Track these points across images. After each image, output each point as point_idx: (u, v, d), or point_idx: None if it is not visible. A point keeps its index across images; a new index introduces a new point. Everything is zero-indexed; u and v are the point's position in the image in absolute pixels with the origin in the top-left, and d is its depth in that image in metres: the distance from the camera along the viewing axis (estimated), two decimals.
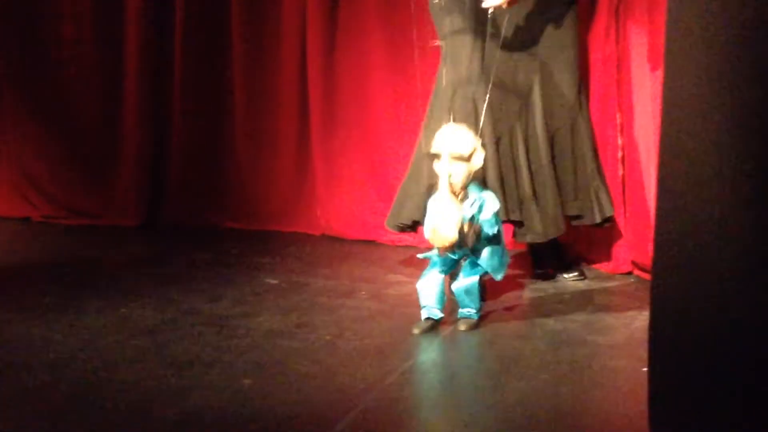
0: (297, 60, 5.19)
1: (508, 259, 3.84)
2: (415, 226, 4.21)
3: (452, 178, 3.56)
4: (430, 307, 3.68)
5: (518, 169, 4.08)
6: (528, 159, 4.10)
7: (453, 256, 3.66)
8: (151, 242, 5.21)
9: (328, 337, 3.64)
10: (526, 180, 4.07)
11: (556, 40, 4.14)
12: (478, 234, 3.61)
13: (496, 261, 3.72)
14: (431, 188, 3.77)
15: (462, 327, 3.68)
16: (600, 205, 4.18)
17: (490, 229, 3.65)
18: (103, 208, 5.44)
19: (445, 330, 3.68)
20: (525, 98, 4.12)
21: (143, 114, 5.38)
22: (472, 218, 3.59)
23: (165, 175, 5.46)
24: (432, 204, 3.58)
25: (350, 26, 5.06)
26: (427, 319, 3.68)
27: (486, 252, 3.68)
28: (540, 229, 4.09)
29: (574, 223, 4.24)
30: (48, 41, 5.49)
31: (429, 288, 3.69)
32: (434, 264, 3.70)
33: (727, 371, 2.16)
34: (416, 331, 3.63)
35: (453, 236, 3.53)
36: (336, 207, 5.19)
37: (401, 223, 4.23)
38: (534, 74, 4.12)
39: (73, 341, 3.57)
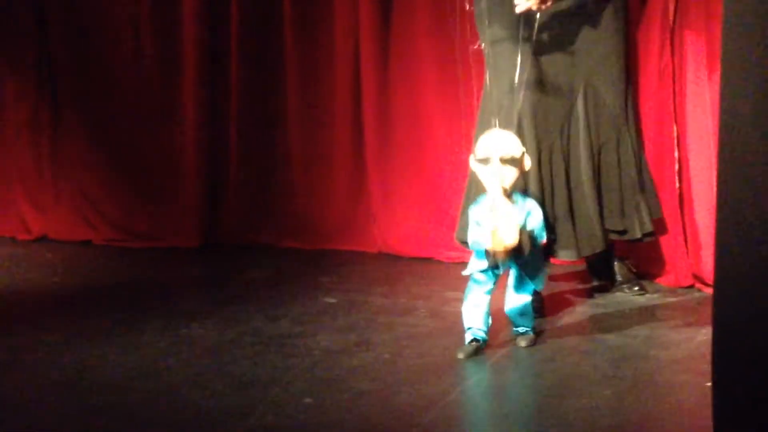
0: (350, 80, 5.20)
1: (548, 270, 3.79)
2: None
3: (503, 182, 3.49)
4: (475, 329, 3.61)
5: (555, 185, 4.04)
6: (567, 175, 4.06)
7: (500, 268, 3.59)
8: (210, 263, 5.24)
9: (387, 356, 3.64)
10: (562, 197, 4.03)
11: (600, 50, 4.09)
12: (533, 240, 3.57)
13: (540, 272, 3.70)
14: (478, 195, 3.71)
15: (522, 343, 3.65)
16: (641, 220, 4.15)
17: (540, 236, 3.62)
18: (162, 229, 5.48)
19: (504, 348, 3.66)
20: (568, 111, 4.08)
21: (201, 136, 5.43)
22: (523, 225, 3.55)
23: (223, 196, 5.49)
24: (484, 209, 3.52)
25: (403, 44, 5.06)
26: (473, 341, 3.60)
27: (531, 263, 3.63)
28: (572, 246, 4.05)
29: (619, 238, 4.20)
30: (107, 63, 5.54)
31: (475, 309, 3.61)
32: (477, 282, 3.63)
33: None
34: (461, 355, 3.56)
35: (515, 239, 3.45)
36: (392, 224, 5.19)
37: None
38: (578, 86, 4.08)
39: (135, 362, 3.60)
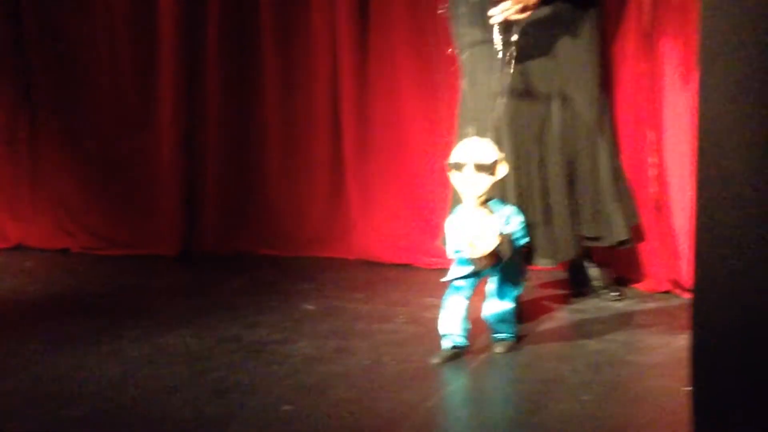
0: (329, 86, 5.20)
1: (527, 276, 3.79)
2: None
3: (476, 189, 3.49)
4: (453, 335, 3.61)
5: (532, 192, 4.05)
6: (542, 184, 4.07)
7: (480, 275, 3.60)
8: (188, 271, 5.24)
9: (366, 362, 3.64)
10: (538, 205, 4.05)
11: (575, 58, 4.11)
12: (512, 246, 3.56)
13: (521, 277, 3.70)
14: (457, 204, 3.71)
15: (499, 349, 3.66)
16: (616, 227, 4.16)
17: (521, 240, 3.62)
18: (140, 237, 5.46)
19: (482, 353, 3.66)
20: (543, 120, 4.09)
21: (178, 144, 5.41)
22: (501, 232, 3.54)
23: (201, 204, 5.48)
24: (461, 216, 3.52)
25: (381, 51, 5.06)
26: (453, 348, 3.60)
27: (511, 269, 3.63)
28: (549, 253, 4.07)
29: (595, 244, 4.22)
30: (84, 69, 5.52)
31: (453, 315, 3.61)
32: (457, 289, 3.62)
33: None
34: (437, 360, 3.56)
35: (492, 246, 3.45)
36: (371, 231, 5.19)
37: None
38: (553, 95, 4.09)
39: (113, 371, 3.59)
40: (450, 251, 3.62)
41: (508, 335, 3.69)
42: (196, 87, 5.39)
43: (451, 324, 3.61)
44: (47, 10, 5.53)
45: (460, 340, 3.61)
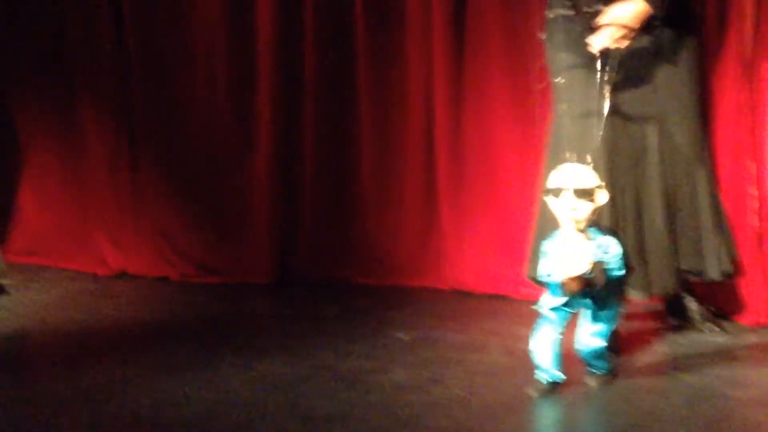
0: (423, 118, 5.21)
1: (621, 309, 3.74)
2: None
3: (576, 215, 3.43)
4: (548, 369, 3.54)
5: (627, 222, 4.00)
6: (639, 212, 4.03)
7: (572, 306, 3.53)
8: (283, 299, 5.25)
9: (460, 393, 3.62)
10: (633, 235, 3.99)
11: (674, 87, 4.07)
12: (605, 274, 3.48)
13: (614, 310, 3.64)
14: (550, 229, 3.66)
15: (593, 383, 3.60)
16: (719, 259, 4.09)
17: (618, 271, 3.55)
18: (236, 266, 5.50)
19: (577, 386, 3.61)
20: (641, 149, 4.05)
21: (274, 174, 5.46)
22: (598, 260, 3.49)
23: (296, 233, 5.51)
24: (557, 242, 3.47)
25: (476, 82, 5.06)
26: (549, 382, 3.55)
27: (605, 300, 3.56)
28: (643, 285, 4.02)
29: (697, 278, 4.15)
30: (181, 103, 5.61)
31: (544, 348, 3.54)
32: (548, 321, 3.55)
33: None
34: (534, 393, 3.52)
35: (584, 270, 3.40)
36: (464, 261, 5.17)
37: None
38: (651, 124, 4.05)
39: (210, 397, 3.61)
40: (542, 275, 3.57)
41: (603, 370, 3.64)
42: (292, 118, 5.44)
43: (545, 357, 3.56)
44: (149, 42, 5.63)
45: (556, 374, 3.56)
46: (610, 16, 3.88)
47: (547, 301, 3.56)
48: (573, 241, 3.44)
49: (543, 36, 4.13)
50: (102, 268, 5.74)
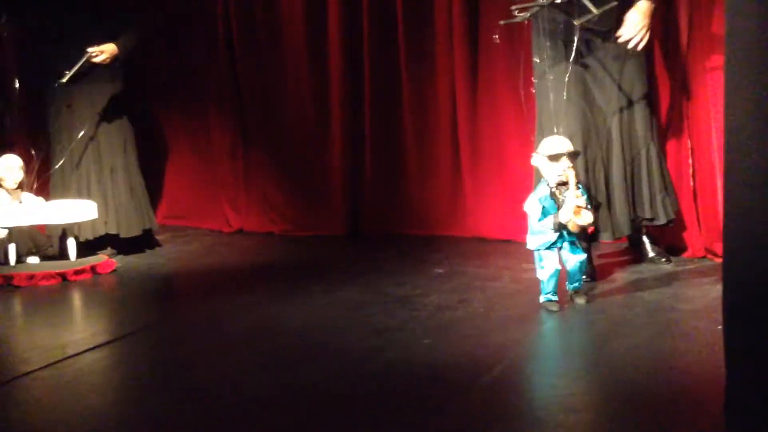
0: (449, 108, 5.16)
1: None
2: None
3: (574, 171, 3.43)
4: (551, 294, 3.53)
5: (598, 189, 3.96)
6: (606, 179, 3.98)
7: (558, 243, 3.49)
8: (355, 246, 5.27)
9: (482, 310, 3.64)
10: (601, 193, 3.95)
11: (632, 85, 4.00)
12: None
13: (582, 237, 3.63)
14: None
15: (581, 301, 3.58)
16: (666, 210, 4.05)
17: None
18: (320, 221, 5.52)
19: (566, 303, 3.61)
20: (607, 132, 3.99)
21: (345, 155, 5.46)
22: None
23: (362, 198, 5.51)
24: (568, 196, 3.42)
25: (487, 85, 5.02)
26: (551, 300, 3.54)
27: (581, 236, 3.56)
28: (609, 229, 3.97)
29: (649, 224, 4.11)
30: (279, 106, 5.59)
31: (548, 274, 3.51)
32: (541, 258, 3.51)
33: None
34: (554, 308, 3.49)
35: (591, 218, 3.40)
36: (482, 215, 5.14)
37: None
38: (613, 113, 3.99)
39: (304, 316, 3.66)
40: (543, 222, 3.51)
41: (581, 282, 3.61)
42: (357, 108, 5.41)
43: (550, 283, 3.53)
44: (253, 63, 5.63)
45: (553, 297, 3.54)
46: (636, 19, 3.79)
47: (537, 240, 3.52)
48: (579, 193, 3.42)
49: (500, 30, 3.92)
50: (226, 226, 5.79)
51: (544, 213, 3.50)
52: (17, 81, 5.07)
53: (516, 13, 3.74)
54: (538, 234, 3.53)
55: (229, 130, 5.75)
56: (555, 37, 3.86)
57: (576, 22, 3.67)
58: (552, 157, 3.48)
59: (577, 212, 3.40)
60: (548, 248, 3.52)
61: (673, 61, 4.30)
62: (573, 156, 3.52)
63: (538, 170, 3.72)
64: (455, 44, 5.06)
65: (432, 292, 3.93)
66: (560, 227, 3.45)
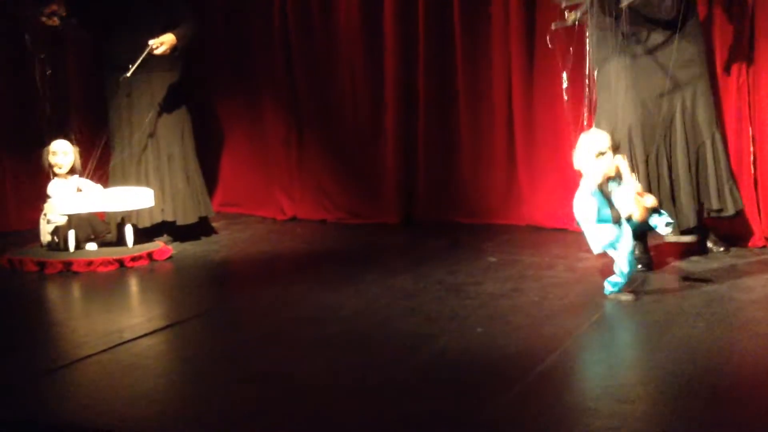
0: (504, 100, 5.12)
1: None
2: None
3: (623, 163, 3.41)
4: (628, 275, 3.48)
5: (661, 180, 3.88)
6: (669, 170, 3.90)
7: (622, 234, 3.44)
8: (408, 234, 5.25)
9: (535, 299, 3.61)
10: (666, 188, 3.88)
11: (692, 73, 3.91)
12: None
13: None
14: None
15: (630, 297, 3.47)
16: (735, 201, 3.95)
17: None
18: (374, 211, 5.50)
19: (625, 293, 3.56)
20: (668, 123, 3.91)
21: (399, 146, 5.44)
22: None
23: (416, 188, 5.49)
24: (624, 187, 3.40)
25: (544, 73, 4.95)
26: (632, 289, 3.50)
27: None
28: (675, 222, 3.88)
29: (717, 215, 4.01)
30: (332, 96, 5.60)
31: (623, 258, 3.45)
32: (613, 245, 3.45)
33: None
34: (630, 297, 3.45)
35: (654, 200, 3.41)
36: (537, 204, 5.10)
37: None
38: (676, 103, 3.91)
39: (357, 303, 3.67)
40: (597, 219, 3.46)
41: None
42: (411, 106, 5.39)
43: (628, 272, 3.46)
44: (308, 55, 5.64)
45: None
46: None
47: (604, 238, 3.44)
48: (636, 182, 3.41)
49: (557, 28, 3.92)
50: (280, 214, 5.81)
51: (598, 209, 3.45)
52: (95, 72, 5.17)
53: (566, 13, 3.72)
54: (599, 234, 3.45)
55: (283, 118, 5.77)
56: (608, 28, 3.81)
57: (622, 5, 3.62)
58: (599, 154, 3.43)
59: (640, 196, 3.37)
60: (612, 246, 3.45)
61: (735, 47, 4.19)
62: (614, 149, 3.46)
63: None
64: (511, 32, 5.01)
65: (485, 281, 3.91)
66: (619, 219, 3.39)
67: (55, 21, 4.75)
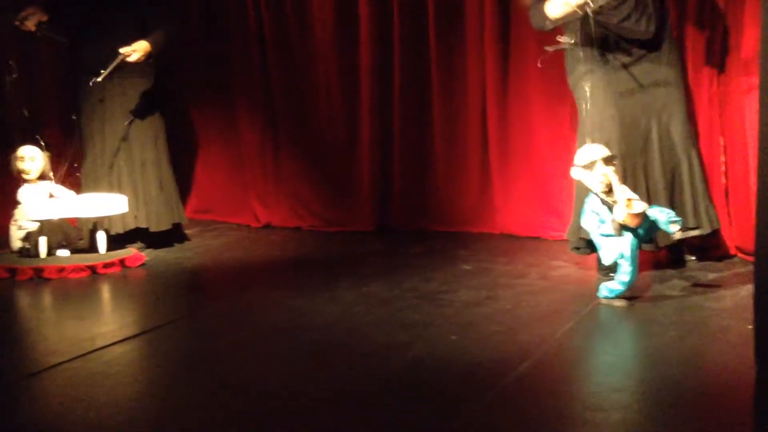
0: (479, 107, 5.13)
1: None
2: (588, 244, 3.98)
3: (609, 177, 3.44)
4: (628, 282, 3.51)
5: (639, 195, 3.90)
6: (646, 186, 3.93)
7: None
8: (382, 241, 5.24)
9: (509, 306, 3.62)
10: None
11: (666, 90, 3.95)
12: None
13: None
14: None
15: (620, 303, 3.52)
16: (710, 219, 3.98)
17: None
18: (348, 218, 5.51)
19: (594, 301, 3.59)
20: (645, 140, 3.94)
21: (374, 152, 5.44)
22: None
23: (389, 194, 5.50)
24: (621, 192, 3.43)
25: (518, 82, 4.98)
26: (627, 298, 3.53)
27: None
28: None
29: (693, 234, 4.01)
30: (309, 104, 5.57)
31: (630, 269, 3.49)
32: (625, 256, 3.47)
33: None
34: (621, 304, 3.49)
35: (645, 205, 3.43)
36: (510, 212, 5.12)
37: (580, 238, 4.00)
38: (652, 121, 3.93)
39: (331, 311, 3.66)
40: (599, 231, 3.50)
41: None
42: (385, 109, 5.38)
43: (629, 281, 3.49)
44: (283, 59, 5.62)
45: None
46: None
47: (612, 252, 3.46)
48: (626, 189, 3.45)
49: (552, 49, 3.97)
50: (254, 221, 5.79)
51: (602, 222, 3.50)
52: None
53: (558, 38, 3.79)
54: (606, 245, 3.49)
55: (258, 125, 5.75)
56: (589, 45, 3.85)
57: (588, 11, 3.66)
58: (588, 165, 3.49)
59: (629, 205, 3.39)
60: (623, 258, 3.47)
61: (706, 58, 4.24)
62: (609, 160, 3.50)
63: (579, 184, 3.71)
64: (486, 41, 5.03)
65: (459, 289, 3.92)
66: (621, 228, 3.43)
67: (31, 26, 4.71)
